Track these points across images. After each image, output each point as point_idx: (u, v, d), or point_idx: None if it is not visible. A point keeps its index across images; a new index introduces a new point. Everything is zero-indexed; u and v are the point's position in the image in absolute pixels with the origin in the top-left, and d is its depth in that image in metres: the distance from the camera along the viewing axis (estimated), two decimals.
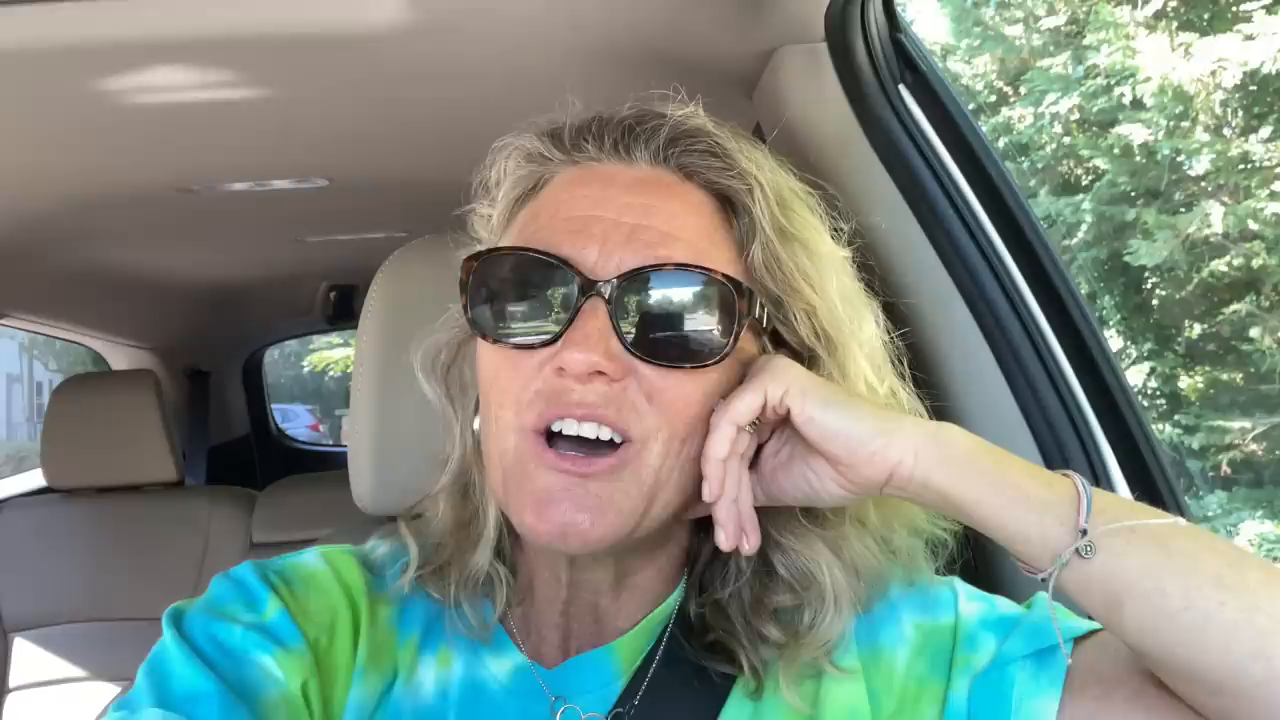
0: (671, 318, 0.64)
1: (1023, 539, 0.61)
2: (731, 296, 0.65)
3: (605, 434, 0.64)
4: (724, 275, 0.64)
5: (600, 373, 0.62)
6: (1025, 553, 0.61)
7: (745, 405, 0.64)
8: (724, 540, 0.65)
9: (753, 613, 0.70)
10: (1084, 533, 0.59)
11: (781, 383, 0.64)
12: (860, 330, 0.71)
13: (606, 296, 0.63)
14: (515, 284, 0.67)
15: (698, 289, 0.64)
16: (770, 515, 0.69)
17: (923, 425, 0.64)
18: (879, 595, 0.73)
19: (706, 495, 0.65)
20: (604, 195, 0.66)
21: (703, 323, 0.64)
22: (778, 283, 0.68)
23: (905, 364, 0.75)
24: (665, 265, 0.64)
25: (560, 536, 0.63)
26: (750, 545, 0.66)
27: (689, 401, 0.64)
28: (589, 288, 0.63)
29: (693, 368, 0.64)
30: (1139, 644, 0.60)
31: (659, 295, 0.64)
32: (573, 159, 0.69)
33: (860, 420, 0.63)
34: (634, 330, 0.63)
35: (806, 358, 0.70)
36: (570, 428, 0.63)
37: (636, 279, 0.63)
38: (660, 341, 0.64)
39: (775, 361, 0.66)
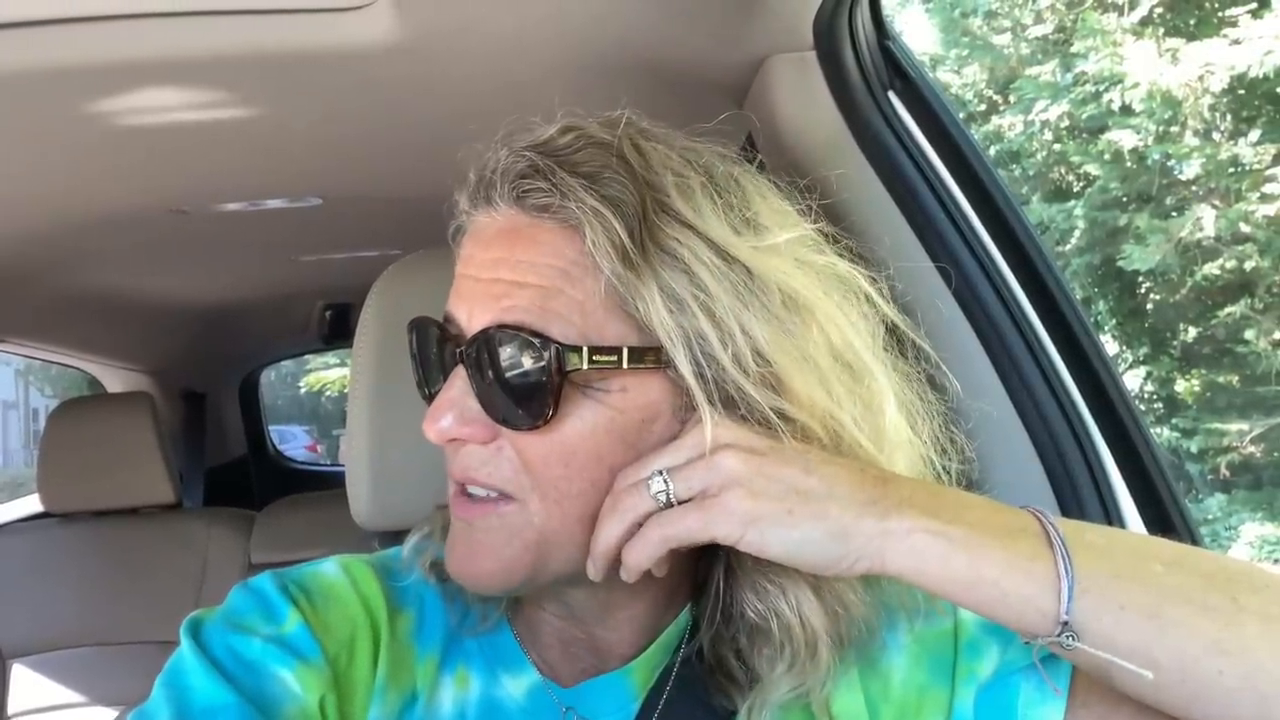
0: (504, 377, 0.62)
1: (1004, 626, 0.60)
2: (538, 348, 0.60)
3: (491, 494, 0.65)
4: (529, 329, 0.61)
5: (460, 438, 0.64)
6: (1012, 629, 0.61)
7: (686, 532, 0.60)
8: (592, 571, 0.64)
9: (748, 649, 0.69)
10: (1065, 624, 0.57)
11: (736, 525, 0.59)
12: (801, 339, 0.63)
13: (464, 360, 0.63)
14: (424, 349, 0.69)
15: (515, 344, 0.61)
16: (752, 559, 0.66)
17: (892, 531, 0.59)
18: (875, 615, 0.70)
19: (591, 573, 0.63)
20: (470, 252, 0.66)
21: (522, 379, 0.61)
22: (639, 311, 0.61)
23: (907, 351, 0.71)
24: (490, 326, 0.62)
25: (460, 578, 0.66)
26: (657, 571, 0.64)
27: (548, 461, 0.63)
28: (454, 352, 0.64)
29: (527, 428, 0.62)
30: (1137, 699, 0.60)
31: (494, 354, 0.62)
32: (472, 214, 0.68)
33: (824, 544, 0.59)
34: (485, 392, 0.63)
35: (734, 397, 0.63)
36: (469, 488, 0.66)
37: (482, 340, 0.62)
38: (501, 402, 0.63)
39: (725, 497, 0.60)
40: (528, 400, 0.62)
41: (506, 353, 0.62)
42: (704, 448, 0.61)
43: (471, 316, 0.64)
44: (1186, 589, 0.58)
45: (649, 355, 0.62)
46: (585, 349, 0.61)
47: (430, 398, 0.68)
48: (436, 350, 0.67)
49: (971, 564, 0.58)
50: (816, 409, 0.63)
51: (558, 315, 0.61)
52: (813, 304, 0.64)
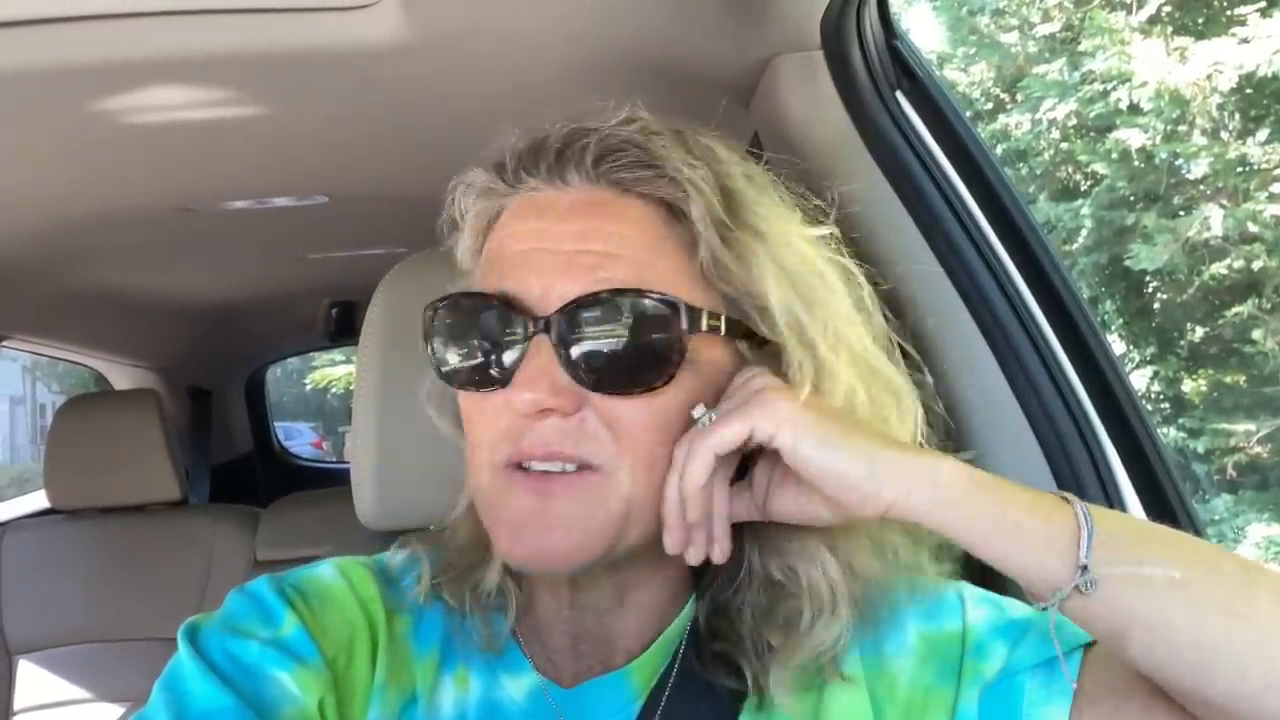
0: (613, 343, 0.63)
1: (1022, 574, 0.60)
2: (668, 314, 0.63)
3: (570, 468, 0.64)
4: (658, 293, 0.63)
5: (552, 409, 0.63)
6: (1026, 585, 0.61)
7: (730, 435, 0.62)
8: (669, 541, 0.65)
9: (761, 619, 0.69)
10: (1084, 569, 0.58)
11: (772, 421, 0.61)
12: (840, 313, 0.68)
13: (549, 331, 0.63)
14: (469, 328, 0.67)
15: (634, 310, 0.63)
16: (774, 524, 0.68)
17: (917, 464, 0.61)
18: (881, 599, 0.71)
19: (668, 538, 0.65)
20: (542, 226, 0.66)
21: (643, 345, 0.63)
22: (733, 282, 0.66)
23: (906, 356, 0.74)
24: (600, 292, 0.63)
25: (532, 558, 0.65)
26: (720, 554, 0.66)
27: (646, 426, 0.64)
28: (533, 324, 0.63)
29: (640, 392, 0.63)
30: (1147, 671, 0.60)
31: (599, 321, 0.63)
32: (516, 190, 0.69)
33: (853, 461, 0.61)
34: (580, 361, 0.63)
35: (782, 354, 0.67)
36: (537, 465, 0.64)
37: (576, 308, 0.63)
38: (605, 369, 0.63)
39: (764, 394, 0.63)
40: (641, 365, 0.63)
41: (620, 319, 0.62)
42: (749, 389, 0.64)
43: (552, 289, 0.64)
44: (1200, 556, 0.60)
45: (738, 325, 0.66)
46: (705, 313, 0.64)
47: (471, 379, 0.67)
48: (489, 326, 0.66)
49: (996, 503, 0.60)
50: (856, 394, 0.67)
51: (653, 287, 0.63)
52: (843, 296, 0.69)
